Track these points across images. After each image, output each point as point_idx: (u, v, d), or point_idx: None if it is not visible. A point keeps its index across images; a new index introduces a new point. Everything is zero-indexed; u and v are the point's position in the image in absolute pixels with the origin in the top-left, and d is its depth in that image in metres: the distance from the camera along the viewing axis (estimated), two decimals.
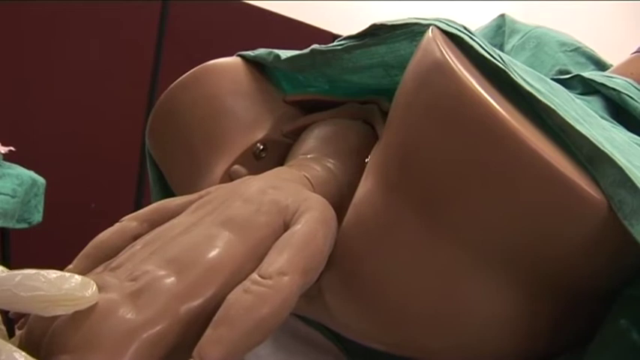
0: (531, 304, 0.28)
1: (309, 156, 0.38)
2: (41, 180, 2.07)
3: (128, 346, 0.22)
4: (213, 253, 0.26)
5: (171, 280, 0.25)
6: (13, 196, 1.88)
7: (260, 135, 0.41)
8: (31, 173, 2.03)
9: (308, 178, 0.35)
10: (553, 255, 0.26)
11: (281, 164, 0.40)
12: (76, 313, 0.23)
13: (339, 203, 0.33)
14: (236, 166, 0.39)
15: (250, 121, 0.41)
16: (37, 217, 2.03)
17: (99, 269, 0.27)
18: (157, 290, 0.24)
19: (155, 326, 0.23)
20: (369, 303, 0.31)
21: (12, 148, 2.01)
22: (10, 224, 1.90)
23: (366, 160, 0.35)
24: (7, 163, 1.98)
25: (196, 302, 0.25)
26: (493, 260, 0.27)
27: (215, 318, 0.24)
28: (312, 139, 0.40)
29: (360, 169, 0.34)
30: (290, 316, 0.40)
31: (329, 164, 0.37)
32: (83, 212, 2.53)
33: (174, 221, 0.29)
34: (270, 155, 0.41)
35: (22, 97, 2.59)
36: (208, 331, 0.24)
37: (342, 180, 0.37)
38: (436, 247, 0.28)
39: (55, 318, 0.23)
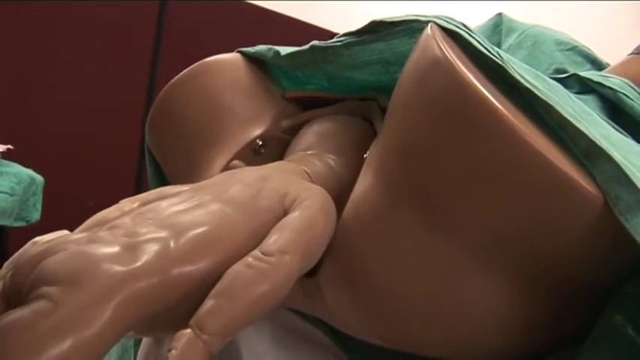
0: (527, 300, 0.28)
1: (309, 152, 0.39)
2: (39, 178, 2.07)
3: (116, 292, 0.22)
4: (214, 227, 0.26)
5: (168, 241, 0.24)
6: (11, 195, 1.88)
7: (259, 131, 0.41)
8: (30, 171, 2.03)
9: (307, 173, 0.35)
10: (549, 250, 0.27)
11: (280, 160, 0.40)
12: (67, 256, 0.22)
13: (338, 199, 0.33)
14: (235, 162, 0.39)
15: (249, 116, 0.42)
16: (35, 215, 2.03)
17: (94, 229, 0.26)
18: (152, 247, 0.24)
19: (145, 280, 0.22)
20: (366, 298, 0.31)
21: (10, 147, 2.01)
22: (8, 222, 1.90)
23: (365, 156, 0.35)
24: (5, 162, 1.98)
25: (190, 268, 0.24)
26: (490, 255, 0.27)
27: (215, 290, 0.24)
28: (311, 135, 0.40)
29: (358, 165, 0.35)
30: (288, 312, 0.40)
31: (329, 160, 0.37)
32: (81, 210, 2.52)
33: (174, 199, 0.28)
34: (269, 151, 0.41)
35: (21, 96, 2.59)
36: (208, 302, 0.24)
37: (342, 176, 0.37)
38: (433, 242, 0.28)
39: (40, 260, 0.22)
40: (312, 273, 0.34)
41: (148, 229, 0.25)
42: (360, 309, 0.31)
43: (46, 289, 0.21)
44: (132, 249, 0.23)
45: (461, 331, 0.29)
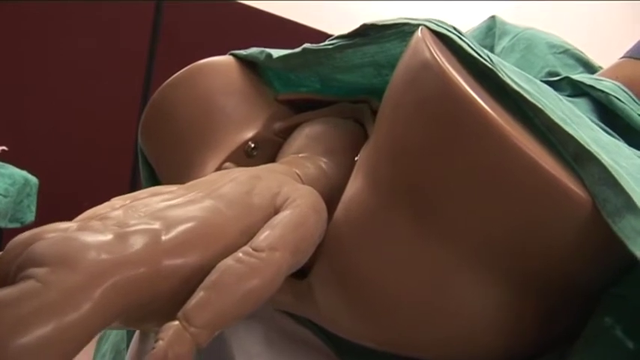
0: (518, 301, 0.28)
1: (300, 155, 0.39)
2: (34, 180, 2.07)
3: (105, 278, 0.21)
4: (206, 222, 0.26)
5: (159, 233, 0.24)
6: (5, 196, 1.88)
7: (251, 133, 0.41)
8: (24, 173, 2.03)
9: (299, 175, 0.35)
10: (538, 251, 0.27)
11: (272, 162, 0.40)
12: (57, 240, 0.22)
13: (330, 200, 0.33)
14: (227, 164, 0.40)
15: (242, 119, 0.42)
16: (30, 216, 2.03)
17: (85, 220, 0.26)
18: (143, 237, 0.24)
19: (134, 269, 0.22)
20: (358, 299, 0.31)
21: (4, 148, 2.01)
22: (3, 224, 1.90)
23: (356, 159, 0.35)
24: (0, 163, 1.98)
25: (179, 261, 0.24)
26: (479, 255, 0.27)
27: (204, 283, 0.24)
28: (303, 138, 0.40)
29: (350, 167, 0.35)
30: (281, 314, 0.40)
31: (321, 162, 0.38)
32: (76, 212, 2.51)
33: (166, 196, 0.28)
34: (261, 153, 0.41)
35: (15, 97, 2.58)
36: (196, 295, 0.24)
37: (333, 178, 0.37)
38: (423, 242, 0.28)
39: (29, 244, 0.22)
40: (303, 275, 0.34)
41: (139, 220, 0.25)
42: (352, 310, 0.32)
43: (34, 270, 0.21)
44: (122, 238, 0.23)
45: (451, 332, 0.29)
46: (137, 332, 0.46)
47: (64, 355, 0.20)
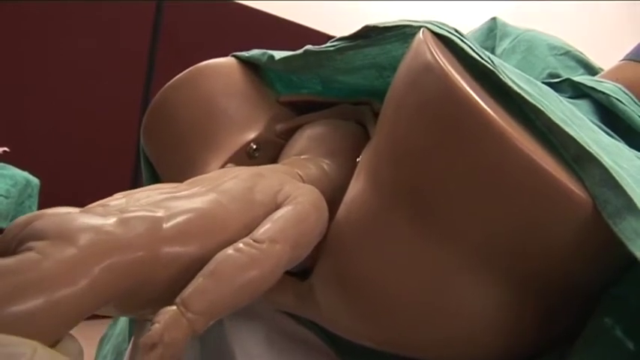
0: (517, 301, 0.28)
1: (302, 156, 0.39)
2: (35, 181, 2.07)
3: (103, 257, 0.21)
4: (208, 214, 0.26)
5: (160, 220, 0.24)
6: (6, 197, 1.88)
7: (253, 135, 0.41)
8: (25, 174, 2.03)
9: (300, 175, 0.35)
10: (538, 252, 0.27)
11: (274, 164, 0.40)
12: (59, 218, 0.22)
13: (332, 201, 0.34)
14: (229, 165, 0.40)
15: (243, 120, 0.42)
16: None
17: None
18: (144, 223, 0.24)
19: (132, 253, 0.23)
20: (358, 298, 0.31)
21: (6, 149, 2.01)
22: (4, 225, 1.90)
23: (358, 160, 0.35)
24: (1, 164, 1.98)
25: (179, 249, 0.24)
26: (479, 256, 0.27)
27: (203, 270, 0.24)
28: (305, 140, 0.41)
29: (351, 168, 0.35)
30: (282, 315, 0.40)
31: (323, 164, 0.38)
32: None
33: (168, 189, 0.29)
34: (263, 155, 0.41)
35: (16, 97, 2.58)
36: (195, 282, 0.24)
37: (335, 179, 0.37)
38: (424, 243, 0.28)
39: (31, 222, 0.22)
40: (304, 276, 0.34)
41: (141, 207, 0.25)
42: (352, 310, 0.32)
43: (34, 243, 0.21)
44: (123, 222, 0.23)
45: (451, 332, 0.30)
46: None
47: (55, 328, 0.20)
